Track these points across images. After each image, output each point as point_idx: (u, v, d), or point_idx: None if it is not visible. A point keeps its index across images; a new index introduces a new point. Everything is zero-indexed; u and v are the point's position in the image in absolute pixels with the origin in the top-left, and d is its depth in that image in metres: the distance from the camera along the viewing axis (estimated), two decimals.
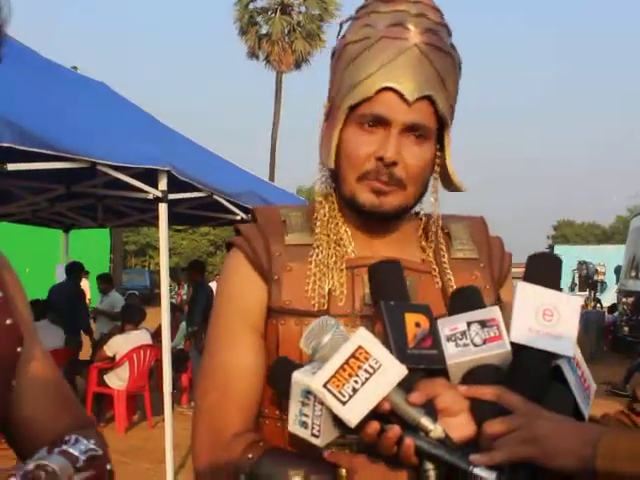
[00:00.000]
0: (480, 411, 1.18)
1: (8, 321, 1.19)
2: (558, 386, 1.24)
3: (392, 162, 1.32)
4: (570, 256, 26.68)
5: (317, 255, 1.40)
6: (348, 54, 1.37)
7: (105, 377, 8.62)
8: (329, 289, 1.37)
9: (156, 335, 9.37)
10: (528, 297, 1.23)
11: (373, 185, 1.35)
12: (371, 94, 1.32)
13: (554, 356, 1.22)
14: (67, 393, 1.37)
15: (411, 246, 1.47)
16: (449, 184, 1.46)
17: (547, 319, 1.21)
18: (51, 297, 10.10)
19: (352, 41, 1.37)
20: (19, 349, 1.21)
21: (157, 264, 43.90)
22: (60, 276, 9.81)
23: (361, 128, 1.35)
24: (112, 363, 8.63)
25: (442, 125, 1.39)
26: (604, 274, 21.80)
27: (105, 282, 11.33)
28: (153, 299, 27.30)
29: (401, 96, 1.32)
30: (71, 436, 1.21)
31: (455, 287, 1.39)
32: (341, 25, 1.44)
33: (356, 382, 1.11)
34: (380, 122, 1.34)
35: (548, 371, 1.23)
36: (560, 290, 1.25)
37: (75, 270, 10.28)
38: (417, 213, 1.50)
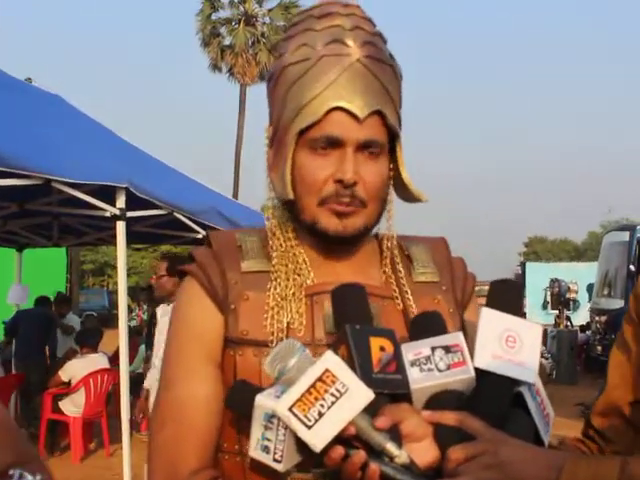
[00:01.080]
0: (444, 436, 1.19)
1: None
2: (520, 413, 1.27)
3: (352, 183, 1.33)
4: (542, 274, 26.93)
5: (275, 288, 1.39)
6: (289, 76, 1.37)
7: (60, 403, 8.50)
8: (287, 321, 1.37)
9: (114, 359, 9.28)
10: (492, 323, 1.26)
11: (335, 208, 1.35)
12: (320, 116, 1.33)
13: (516, 382, 1.25)
14: (9, 427, 1.34)
15: (372, 268, 1.47)
16: (407, 195, 1.47)
17: (510, 345, 1.24)
18: (18, 322, 10.16)
19: (291, 63, 1.37)
20: None
21: (115, 283, 43.49)
22: (14, 297, 9.67)
23: (314, 152, 1.35)
24: (67, 389, 8.52)
25: (392, 137, 1.41)
26: (576, 292, 22.03)
27: (62, 304, 11.23)
28: (112, 320, 26.95)
29: (351, 114, 1.33)
30: (15, 471, 1.19)
31: (417, 311, 1.40)
32: (276, 47, 1.45)
33: (322, 406, 1.12)
34: (333, 143, 1.34)
35: (510, 397, 1.26)
36: (522, 316, 1.29)
37: (45, 301, 10.48)
38: (376, 235, 1.50)
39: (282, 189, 1.39)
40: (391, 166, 1.43)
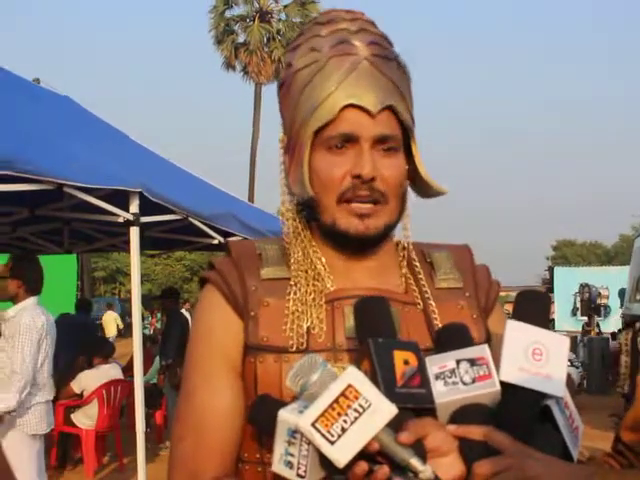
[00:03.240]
0: (469, 451, 1.21)
1: None
2: (547, 427, 1.28)
3: (371, 178, 1.37)
4: (571, 279, 26.75)
5: (295, 293, 1.42)
6: (299, 81, 1.42)
7: (72, 416, 8.53)
8: (308, 327, 1.39)
9: (127, 369, 9.31)
10: (518, 336, 1.28)
11: (354, 209, 1.38)
12: (334, 114, 1.37)
13: (543, 396, 1.27)
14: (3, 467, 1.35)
15: (392, 274, 1.49)
16: (427, 190, 1.50)
17: (537, 358, 1.26)
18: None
19: (301, 67, 1.42)
20: None
21: (128, 291, 43.60)
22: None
23: (330, 151, 1.39)
24: (80, 400, 8.56)
25: (406, 133, 1.44)
26: (607, 297, 21.82)
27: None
28: (124, 329, 27.12)
29: (365, 110, 1.37)
30: None
31: (439, 317, 1.43)
32: (285, 56, 1.50)
33: (345, 421, 1.14)
34: (349, 140, 1.38)
35: (537, 411, 1.28)
36: (548, 327, 1.30)
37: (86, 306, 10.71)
38: (396, 242, 1.53)
39: (301, 189, 1.43)
40: (407, 167, 1.45)
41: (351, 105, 1.37)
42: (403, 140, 1.43)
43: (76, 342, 9.97)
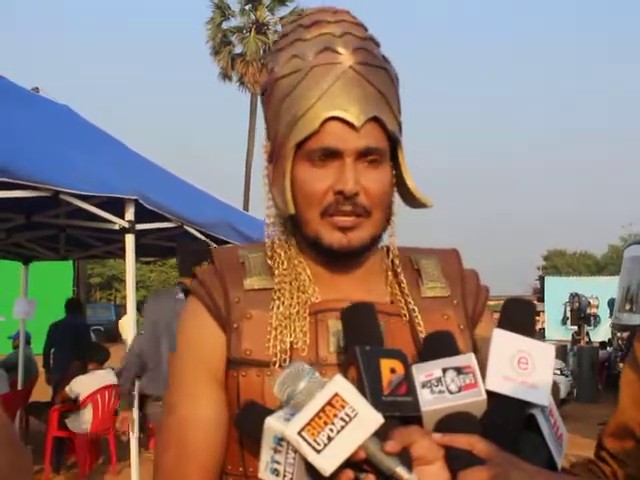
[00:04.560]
0: (455, 460, 1.20)
1: None
2: (532, 435, 1.28)
3: (354, 193, 1.32)
4: (562, 288, 26.83)
5: (278, 307, 1.39)
6: (281, 90, 1.37)
7: (67, 420, 8.50)
8: (291, 341, 1.36)
9: (121, 375, 9.29)
10: (503, 344, 1.27)
11: (337, 222, 1.35)
12: (316, 127, 1.32)
13: (529, 405, 1.26)
14: (22, 452, 1.34)
15: (378, 283, 1.47)
16: (413, 201, 1.46)
17: (522, 367, 1.26)
18: (51, 334, 10.45)
19: (282, 75, 1.37)
20: None
21: (124, 297, 43.52)
22: (20, 311, 9.72)
23: (312, 164, 1.35)
24: (74, 405, 8.53)
25: (393, 143, 1.40)
26: (597, 307, 21.94)
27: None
28: (119, 334, 27.05)
29: (348, 123, 1.32)
30: None
31: (425, 329, 1.40)
32: (267, 58, 1.46)
33: (331, 430, 1.13)
34: (331, 155, 1.33)
35: (522, 420, 1.27)
36: (534, 336, 1.30)
37: (76, 307, 10.73)
38: (382, 248, 1.50)
39: (283, 204, 1.39)
40: (394, 173, 1.42)
41: (334, 117, 1.32)
42: (390, 150, 1.39)
43: (70, 346, 10.03)
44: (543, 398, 1.26)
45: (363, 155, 1.34)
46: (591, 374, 16.09)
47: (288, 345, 1.36)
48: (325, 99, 1.32)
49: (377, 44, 1.42)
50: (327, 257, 1.41)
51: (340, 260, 1.41)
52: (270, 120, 1.42)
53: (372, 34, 1.42)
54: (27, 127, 5.89)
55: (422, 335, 1.40)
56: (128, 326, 7.80)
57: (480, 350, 1.36)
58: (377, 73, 1.36)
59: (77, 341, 10.21)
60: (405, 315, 1.44)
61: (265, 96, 1.43)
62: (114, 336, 28.02)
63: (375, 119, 1.34)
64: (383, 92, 1.36)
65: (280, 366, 1.34)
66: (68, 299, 11.24)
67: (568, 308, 23.89)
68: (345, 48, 1.34)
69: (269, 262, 1.44)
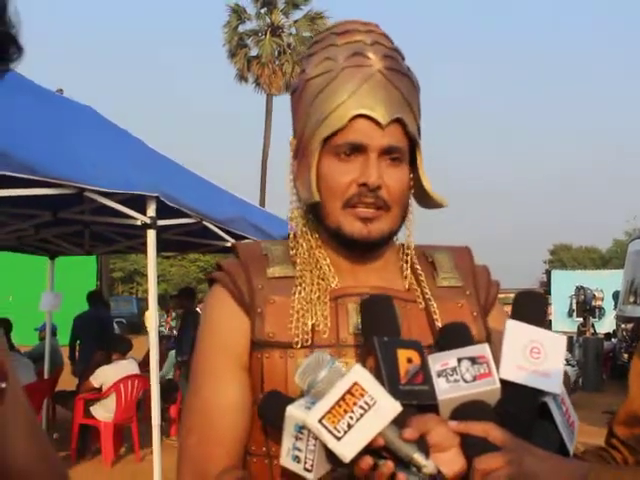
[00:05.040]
0: (470, 447, 1.20)
1: None
2: (545, 422, 1.28)
3: (377, 186, 1.36)
4: (568, 281, 26.73)
5: (300, 292, 1.42)
6: (312, 89, 1.42)
7: (91, 408, 8.56)
8: (312, 323, 1.39)
9: (144, 365, 9.34)
10: (516, 335, 1.28)
11: (359, 213, 1.38)
12: (344, 123, 1.37)
13: (541, 393, 1.27)
14: (46, 440, 1.35)
15: (394, 274, 1.49)
16: (428, 201, 1.49)
17: (535, 357, 1.26)
18: (76, 327, 10.67)
19: (314, 76, 1.42)
20: (4, 385, 1.19)
21: (145, 291, 43.64)
22: (46, 304, 9.79)
23: (338, 158, 1.39)
24: (99, 394, 8.58)
25: (412, 145, 1.44)
26: (602, 300, 21.81)
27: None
28: (140, 327, 27.13)
29: (374, 121, 1.37)
30: None
31: (440, 315, 1.43)
32: (300, 63, 1.50)
33: (351, 418, 1.14)
34: (357, 149, 1.38)
35: (535, 408, 1.28)
36: (547, 325, 1.31)
37: (98, 300, 10.91)
38: (399, 244, 1.53)
39: (308, 193, 1.42)
40: (411, 176, 1.45)
41: (361, 115, 1.36)
42: (409, 152, 1.43)
43: (94, 337, 10.14)
44: (555, 386, 1.27)
45: (386, 152, 1.38)
46: (596, 364, 16.04)
47: (310, 327, 1.38)
48: (354, 98, 1.37)
49: (402, 56, 1.46)
50: (347, 248, 1.44)
51: (359, 251, 1.44)
52: (298, 118, 1.46)
53: (397, 46, 1.47)
54: (53, 127, 5.90)
55: (437, 321, 1.42)
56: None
57: (492, 341, 1.37)
58: (402, 79, 1.41)
59: (101, 333, 10.31)
60: (421, 302, 1.46)
61: (295, 96, 1.47)
62: (136, 328, 28.11)
63: (398, 120, 1.38)
64: (406, 97, 1.41)
65: (302, 346, 1.36)
66: (90, 292, 11.32)
67: (574, 301, 23.76)
68: (375, 54, 1.40)
69: (291, 252, 1.47)
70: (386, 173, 1.38)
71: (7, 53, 0.93)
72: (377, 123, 1.37)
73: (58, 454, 1.38)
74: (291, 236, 1.49)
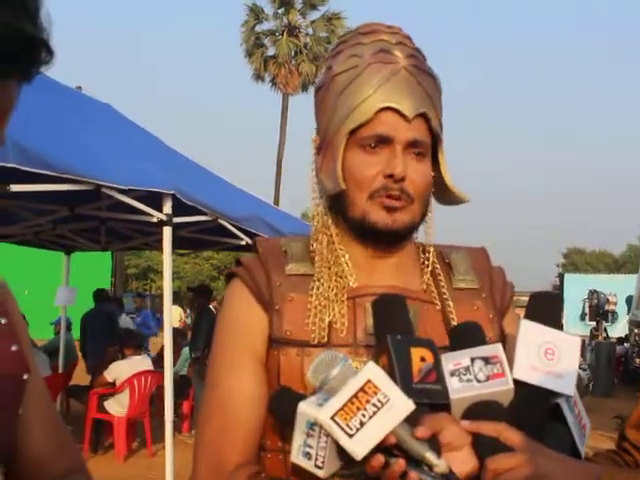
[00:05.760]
0: (482, 446, 1.20)
1: (14, 347, 1.18)
2: (557, 425, 1.28)
3: (402, 177, 1.37)
4: (581, 285, 26.64)
5: (318, 288, 1.42)
6: (338, 84, 1.43)
7: (105, 403, 8.60)
8: (330, 321, 1.39)
9: (157, 360, 9.37)
10: (531, 335, 1.28)
11: (384, 202, 1.38)
12: (371, 116, 1.37)
13: (554, 394, 1.27)
14: (64, 430, 1.36)
15: (412, 274, 1.49)
16: (450, 197, 1.50)
17: (549, 357, 1.26)
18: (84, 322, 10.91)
19: (340, 72, 1.43)
20: (26, 376, 1.20)
21: (159, 288, 43.75)
22: (61, 299, 9.85)
23: (364, 151, 1.40)
24: (112, 389, 8.62)
25: (435, 141, 1.45)
26: (615, 304, 21.75)
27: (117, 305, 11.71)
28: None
29: (401, 114, 1.38)
30: None
31: (456, 317, 1.43)
32: (326, 61, 1.50)
33: (364, 416, 1.13)
34: (383, 142, 1.38)
35: (548, 409, 1.27)
36: (560, 328, 1.30)
37: (103, 296, 11.09)
38: (417, 244, 1.53)
39: (333, 183, 1.42)
40: (433, 174, 1.45)
41: (388, 108, 1.37)
42: (431, 148, 1.44)
43: (100, 333, 10.40)
44: (568, 388, 1.27)
45: (411, 146, 1.39)
46: (608, 369, 15.95)
47: (327, 324, 1.39)
48: (380, 92, 1.38)
49: (424, 57, 1.48)
50: (368, 242, 1.44)
51: (380, 243, 1.44)
52: (323, 114, 1.46)
53: (419, 48, 1.48)
54: (71, 124, 5.93)
55: (453, 322, 1.42)
56: (176, 316, 7.92)
57: (506, 342, 1.36)
58: (426, 77, 1.43)
59: (107, 329, 10.50)
60: (437, 303, 1.46)
61: (320, 92, 1.48)
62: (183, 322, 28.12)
63: (423, 115, 1.40)
64: (430, 94, 1.42)
65: (319, 343, 1.36)
66: (95, 290, 11.41)
67: (587, 304, 23.69)
68: (400, 52, 1.41)
69: (311, 248, 1.48)
70: (411, 166, 1.38)
71: (39, 57, 0.94)
72: (403, 116, 1.37)
73: (83, 459, 1.39)
74: (312, 233, 1.49)
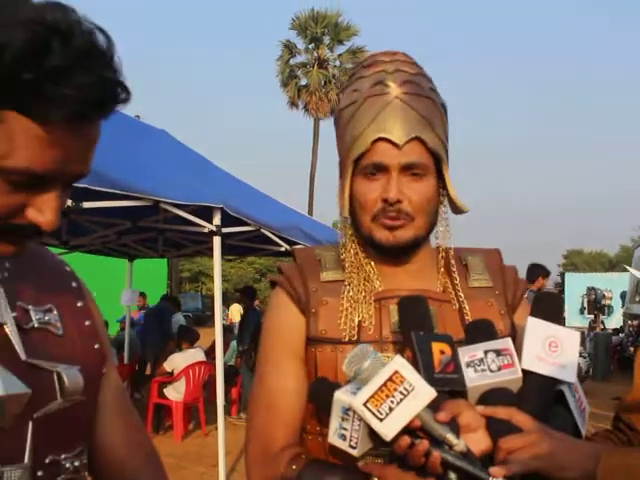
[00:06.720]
0: (495, 428, 1.21)
1: (96, 346, 1.20)
2: (560, 408, 1.29)
3: (396, 201, 1.36)
4: (580, 283, 26.31)
5: (348, 292, 1.43)
6: (344, 118, 1.44)
7: (164, 390, 8.67)
8: (359, 321, 1.41)
9: (209, 353, 9.43)
10: (536, 330, 1.29)
11: (384, 222, 1.39)
12: (367, 146, 1.38)
13: (558, 382, 1.27)
14: (137, 419, 1.36)
15: (431, 276, 1.49)
16: (454, 208, 1.48)
17: (553, 350, 1.27)
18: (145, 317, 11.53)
19: (344, 106, 1.44)
20: (104, 370, 1.22)
21: (209, 289, 44.00)
22: (126, 300, 10.01)
23: (366, 177, 1.40)
24: (171, 378, 8.69)
25: (438, 161, 1.42)
26: (611, 299, 21.42)
27: (173, 304, 11.89)
28: (205, 320, 27.35)
29: (392, 142, 1.37)
30: None
31: (472, 313, 1.43)
32: (338, 96, 1.52)
33: (392, 402, 1.14)
34: (380, 169, 1.38)
35: (552, 395, 1.28)
36: (562, 323, 1.30)
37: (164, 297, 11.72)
38: (436, 247, 1.52)
39: (341, 208, 1.45)
40: (441, 191, 1.45)
41: (381, 138, 1.37)
42: (436, 164, 1.42)
43: (157, 329, 10.80)
44: (570, 376, 1.27)
45: (407, 169, 1.38)
46: (605, 356, 15.73)
47: (356, 323, 1.40)
48: (375, 124, 1.38)
49: (428, 79, 1.45)
50: (380, 253, 1.45)
51: (391, 256, 1.44)
52: (339, 143, 1.47)
53: (423, 70, 1.46)
54: (132, 148, 5.99)
55: (467, 316, 1.42)
56: (236, 313, 7.93)
57: (517, 335, 1.37)
58: (421, 101, 1.40)
59: (159, 324, 10.87)
60: (454, 302, 1.46)
61: (335, 124, 1.49)
62: (201, 321, 28.32)
63: (417, 139, 1.37)
64: (427, 117, 1.39)
65: (350, 340, 1.38)
66: (163, 294, 11.76)
67: (585, 300, 23.37)
68: (394, 82, 1.39)
69: (342, 257, 1.48)
70: (408, 187, 1.38)
71: (118, 97, 0.95)
72: (394, 144, 1.37)
73: (151, 440, 1.37)
74: (341, 243, 1.50)
